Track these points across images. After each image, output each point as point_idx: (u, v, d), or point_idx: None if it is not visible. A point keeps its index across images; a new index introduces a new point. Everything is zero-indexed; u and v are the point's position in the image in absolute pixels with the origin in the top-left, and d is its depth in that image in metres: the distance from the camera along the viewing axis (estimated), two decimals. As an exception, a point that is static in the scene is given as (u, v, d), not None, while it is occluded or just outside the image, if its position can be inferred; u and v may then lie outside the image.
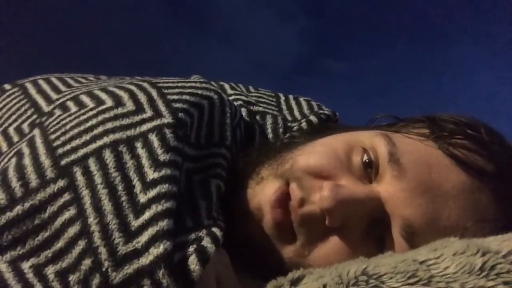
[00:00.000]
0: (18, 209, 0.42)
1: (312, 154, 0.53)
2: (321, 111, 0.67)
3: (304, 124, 0.64)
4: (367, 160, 0.52)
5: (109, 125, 0.47)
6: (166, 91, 0.51)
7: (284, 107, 0.68)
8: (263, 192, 0.52)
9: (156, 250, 0.41)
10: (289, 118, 0.66)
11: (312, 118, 0.65)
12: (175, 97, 0.51)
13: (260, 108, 0.65)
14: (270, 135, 0.63)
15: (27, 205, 0.42)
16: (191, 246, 0.43)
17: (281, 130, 0.63)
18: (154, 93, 0.50)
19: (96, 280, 0.40)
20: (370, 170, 0.52)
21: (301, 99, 0.70)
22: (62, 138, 0.46)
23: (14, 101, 0.57)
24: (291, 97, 0.70)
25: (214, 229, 0.45)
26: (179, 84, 0.53)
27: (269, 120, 0.64)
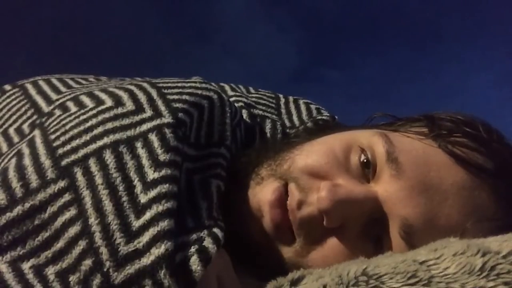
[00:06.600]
0: (18, 209, 0.42)
1: (310, 154, 0.53)
2: (320, 117, 0.67)
3: (301, 132, 0.64)
4: (365, 160, 0.52)
5: (109, 125, 0.47)
6: (165, 91, 0.51)
7: (283, 110, 0.68)
8: (262, 192, 0.52)
9: (158, 250, 0.41)
10: (287, 123, 0.66)
11: (310, 125, 0.65)
12: (175, 97, 0.51)
13: (260, 112, 0.65)
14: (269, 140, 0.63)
15: (27, 205, 0.42)
16: (192, 247, 0.43)
17: (279, 136, 0.64)
18: (154, 93, 0.50)
19: (97, 281, 0.40)
20: (368, 170, 0.52)
21: (301, 102, 0.70)
22: (62, 138, 0.46)
23: (14, 101, 0.57)
24: (291, 99, 0.70)
25: (215, 230, 0.45)
26: (179, 84, 0.53)
27: (268, 125, 0.64)
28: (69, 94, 0.53)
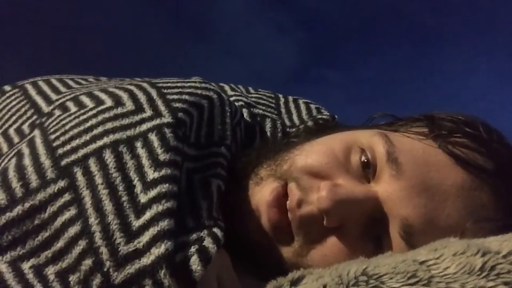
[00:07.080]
0: (18, 209, 0.42)
1: (310, 154, 0.53)
2: (319, 116, 0.67)
3: (302, 131, 0.64)
4: (365, 160, 0.52)
5: (109, 125, 0.47)
6: (165, 91, 0.51)
7: (283, 110, 0.68)
8: (261, 192, 0.52)
9: (158, 250, 0.41)
10: (287, 123, 0.66)
11: (310, 124, 0.65)
12: (175, 97, 0.51)
13: (260, 111, 0.65)
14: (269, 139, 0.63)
15: (27, 205, 0.42)
16: (192, 247, 0.43)
17: (279, 135, 0.64)
18: (153, 93, 0.50)
19: (97, 280, 0.40)
20: (368, 170, 0.52)
21: (300, 101, 0.70)
22: (62, 138, 0.46)
23: (14, 102, 0.57)
24: (290, 99, 0.70)
25: (215, 230, 0.45)
26: (179, 84, 0.53)
27: (268, 124, 0.64)
28: (69, 94, 0.53)
